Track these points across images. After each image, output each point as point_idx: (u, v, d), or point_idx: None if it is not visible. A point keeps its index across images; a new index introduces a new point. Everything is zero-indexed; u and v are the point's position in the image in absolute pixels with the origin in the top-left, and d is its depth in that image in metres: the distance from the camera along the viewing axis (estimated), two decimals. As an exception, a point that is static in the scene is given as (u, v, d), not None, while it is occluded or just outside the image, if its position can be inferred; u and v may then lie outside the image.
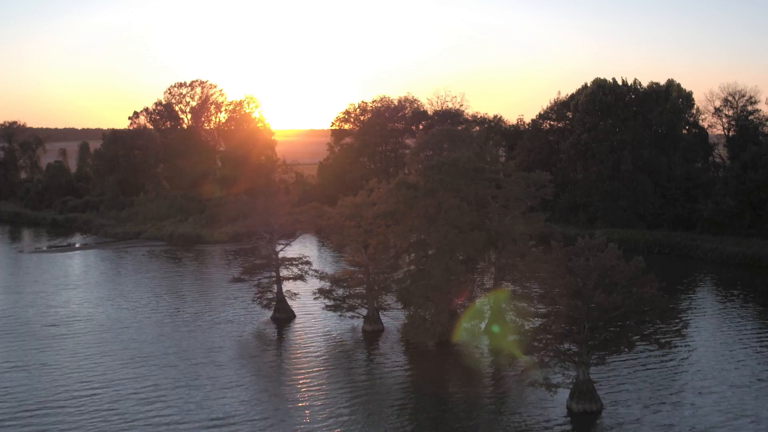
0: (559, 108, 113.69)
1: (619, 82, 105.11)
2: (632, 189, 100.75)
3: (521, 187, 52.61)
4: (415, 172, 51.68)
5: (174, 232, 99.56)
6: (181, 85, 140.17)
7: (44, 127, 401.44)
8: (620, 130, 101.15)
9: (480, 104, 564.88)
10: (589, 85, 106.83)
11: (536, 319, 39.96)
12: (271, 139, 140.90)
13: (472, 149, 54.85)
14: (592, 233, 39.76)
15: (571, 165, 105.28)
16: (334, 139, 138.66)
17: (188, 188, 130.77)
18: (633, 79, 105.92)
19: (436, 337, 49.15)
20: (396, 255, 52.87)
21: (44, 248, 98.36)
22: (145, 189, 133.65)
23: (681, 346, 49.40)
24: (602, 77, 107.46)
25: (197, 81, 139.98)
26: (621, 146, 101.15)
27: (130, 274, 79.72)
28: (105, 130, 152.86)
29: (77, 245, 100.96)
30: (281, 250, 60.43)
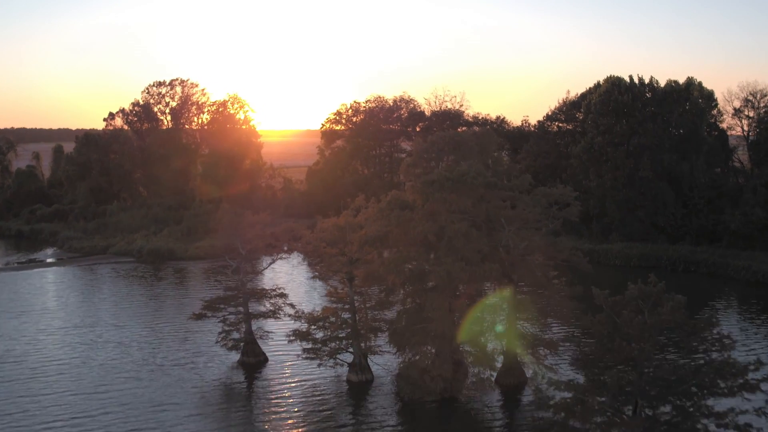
0: (568, 109, 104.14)
1: (635, 80, 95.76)
2: (651, 198, 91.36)
3: (542, 207, 43.16)
4: (411, 188, 42.02)
5: (143, 246, 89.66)
6: (160, 84, 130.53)
7: (38, 127, 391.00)
8: (638, 133, 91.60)
9: (478, 105, 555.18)
10: (602, 83, 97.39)
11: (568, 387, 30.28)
12: (257, 141, 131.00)
13: (482, 159, 45.17)
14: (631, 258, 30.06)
15: (583, 171, 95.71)
16: (324, 142, 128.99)
17: (167, 195, 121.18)
18: (649, 77, 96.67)
19: (437, 394, 39.65)
20: (388, 290, 43.20)
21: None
22: (120, 197, 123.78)
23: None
24: (615, 75, 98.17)
25: (177, 79, 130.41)
26: (639, 151, 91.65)
27: (83, 299, 69.81)
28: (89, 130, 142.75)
29: (42, 261, 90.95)
30: (260, 273, 50.76)
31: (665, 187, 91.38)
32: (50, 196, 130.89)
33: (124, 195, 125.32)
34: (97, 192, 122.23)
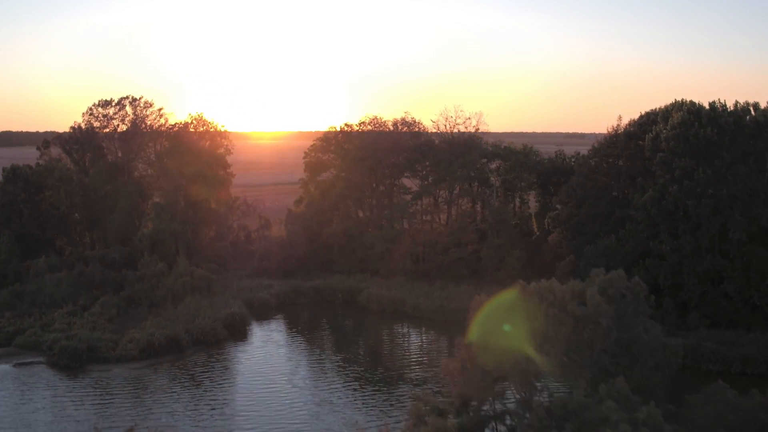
0: (623, 142, 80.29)
1: (717, 107, 72.40)
2: (741, 267, 68.08)
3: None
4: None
5: (56, 341, 64.95)
6: (106, 103, 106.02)
7: (25, 130, 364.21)
8: (727, 181, 68.14)
9: (475, 106, 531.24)
10: (673, 110, 73.93)
11: None
12: (225, 173, 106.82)
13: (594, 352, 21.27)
14: None
15: (650, 228, 72.08)
16: (308, 176, 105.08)
17: (113, 243, 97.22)
18: (733, 101, 73.35)
19: None
20: None
21: None
22: (56, 246, 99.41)
23: None
24: (688, 100, 75.10)
25: (127, 98, 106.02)
26: (728, 204, 68.23)
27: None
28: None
29: None
30: None
31: (761, 253, 68.15)
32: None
33: (61, 243, 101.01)
34: (27, 240, 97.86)
